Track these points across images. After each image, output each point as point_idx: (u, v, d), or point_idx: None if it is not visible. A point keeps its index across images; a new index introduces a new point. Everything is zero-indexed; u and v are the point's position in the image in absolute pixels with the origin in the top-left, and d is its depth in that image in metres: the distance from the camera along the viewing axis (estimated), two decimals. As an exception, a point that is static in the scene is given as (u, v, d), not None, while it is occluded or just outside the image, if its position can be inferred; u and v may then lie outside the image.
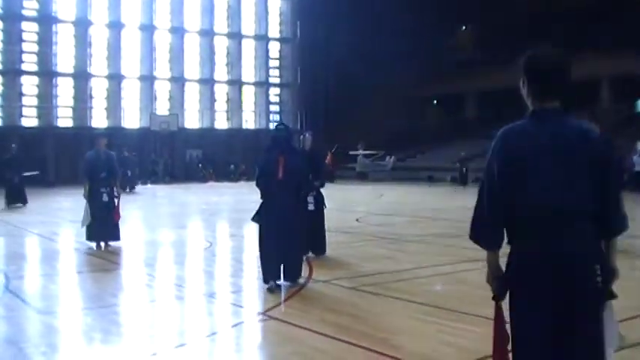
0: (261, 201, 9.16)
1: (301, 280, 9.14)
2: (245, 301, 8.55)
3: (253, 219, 9.22)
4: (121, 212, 13.46)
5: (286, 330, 6.84)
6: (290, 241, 8.91)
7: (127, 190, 31.58)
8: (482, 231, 3.58)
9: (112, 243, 12.98)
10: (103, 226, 12.82)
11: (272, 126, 54.47)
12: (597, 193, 3.34)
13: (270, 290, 8.60)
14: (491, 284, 3.56)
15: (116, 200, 13.18)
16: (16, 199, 23.62)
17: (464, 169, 40.13)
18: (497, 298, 3.53)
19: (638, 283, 8.28)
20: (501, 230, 3.48)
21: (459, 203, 26.15)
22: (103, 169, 13.00)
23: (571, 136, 3.37)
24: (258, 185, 9.19)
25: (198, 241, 15.50)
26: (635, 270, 9.54)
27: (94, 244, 12.90)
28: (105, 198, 12.94)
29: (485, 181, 3.50)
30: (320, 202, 11.43)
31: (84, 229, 13.03)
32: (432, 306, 7.64)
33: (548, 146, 3.35)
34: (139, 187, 36.40)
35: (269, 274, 8.74)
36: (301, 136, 11.95)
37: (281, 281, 8.86)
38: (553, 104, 3.44)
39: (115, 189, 13.19)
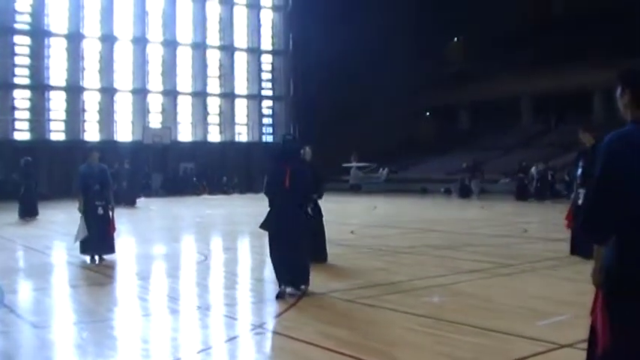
0: (268, 209, 9.44)
1: (305, 288, 9.21)
2: (240, 314, 8.50)
3: (261, 227, 9.47)
4: (116, 225, 13.41)
5: (282, 343, 6.81)
6: (297, 248, 9.17)
7: (124, 204, 31.46)
8: (596, 228, 3.78)
9: (106, 256, 12.92)
10: (98, 239, 12.76)
11: (265, 139, 54.75)
12: None
13: (280, 296, 8.82)
14: (596, 276, 3.78)
15: (111, 213, 13.14)
16: (24, 212, 23.87)
17: (467, 180, 38.52)
18: (600, 287, 3.77)
19: None
20: (612, 227, 3.69)
21: (453, 215, 26.20)
22: (97, 182, 12.96)
23: None
24: (267, 193, 9.56)
25: (192, 254, 15.45)
26: None
27: (87, 258, 12.85)
28: (100, 211, 12.90)
29: (600, 184, 3.73)
30: (317, 213, 11.51)
31: (77, 243, 12.98)
32: (428, 317, 7.61)
33: None
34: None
35: (281, 278, 9.05)
36: (302, 150, 11.97)
37: (290, 288, 9.04)
38: None
39: (109, 202, 13.15)
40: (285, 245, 9.12)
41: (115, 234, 13.30)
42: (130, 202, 32.75)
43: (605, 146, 3.69)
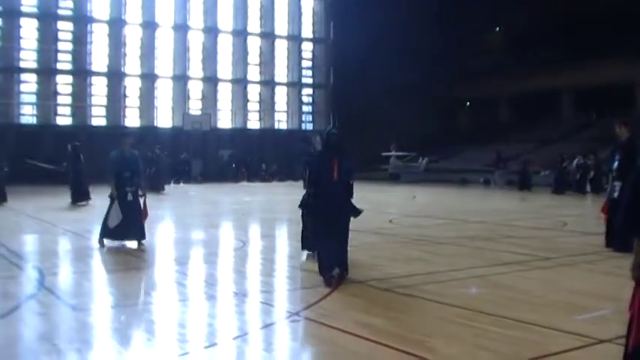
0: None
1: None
2: (277, 302, 8.50)
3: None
4: (150, 211, 13.39)
5: (319, 331, 6.79)
6: (342, 238, 9.32)
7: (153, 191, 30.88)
8: (636, 221, 3.75)
9: (136, 241, 12.84)
10: (128, 225, 12.73)
11: (305, 126, 54.76)
12: None
13: (328, 281, 8.87)
14: (635, 270, 3.74)
15: (142, 200, 13.13)
16: (77, 196, 24.09)
17: (527, 171, 37.37)
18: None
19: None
20: None
21: (493, 206, 26.00)
22: (127, 168, 12.94)
23: None
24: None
25: (230, 240, 15.50)
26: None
27: (108, 241, 12.85)
28: (130, 197, 12.88)
29: None
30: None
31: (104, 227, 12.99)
32: (466, 309, 7.55)
33: None
34: (169, 188, 35.35)
35: (327, 267, 9.08)
36: (313, 139, 11.81)
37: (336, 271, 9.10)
38: None
39: (140, 188, 13.13)
40: (336, 234, 9.23)
41: (153, 220, 13.30)
42: (157, 189, 30.80)
43: None
